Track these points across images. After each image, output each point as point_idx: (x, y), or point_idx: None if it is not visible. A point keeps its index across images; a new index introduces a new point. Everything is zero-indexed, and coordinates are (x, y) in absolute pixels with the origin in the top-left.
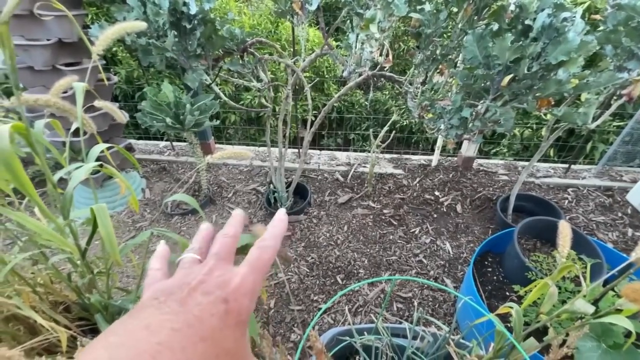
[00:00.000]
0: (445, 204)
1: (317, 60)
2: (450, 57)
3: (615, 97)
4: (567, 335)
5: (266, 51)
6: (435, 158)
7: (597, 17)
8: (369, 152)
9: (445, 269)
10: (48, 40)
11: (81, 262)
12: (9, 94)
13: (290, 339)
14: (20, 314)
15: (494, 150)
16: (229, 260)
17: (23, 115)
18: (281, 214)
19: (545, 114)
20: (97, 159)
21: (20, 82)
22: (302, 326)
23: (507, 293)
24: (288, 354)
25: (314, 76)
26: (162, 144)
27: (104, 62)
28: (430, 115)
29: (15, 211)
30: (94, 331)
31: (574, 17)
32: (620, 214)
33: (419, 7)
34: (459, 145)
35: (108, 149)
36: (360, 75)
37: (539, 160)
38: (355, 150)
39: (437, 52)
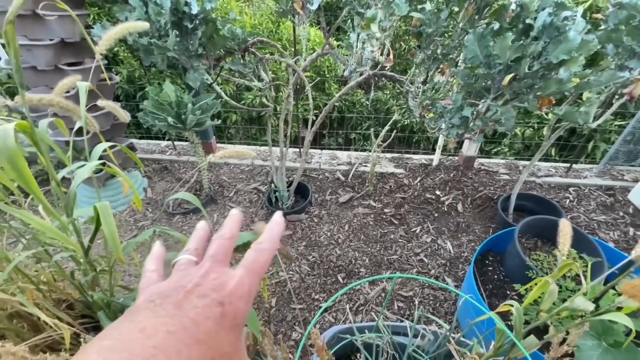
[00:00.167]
0: (446, 203)
1: (318, 60)
2: (451, 56)
3: (616, 96)
4: (568, 333)
5: (267, 51)
6: (436, 157)
7: (599, 16)
8: (370, 151)
9: (446, 268)
10: (51, 40)
11: (84, 260)
12: (12, 93)
13: (291, 337)
14: (24, 311)
15: (495, 150)
16: (225, 262)
17: (27, 115)
18: (278, 217)
19: (546, 113)
20: (100, 158)
21: (24, 82)
22: (304, 325)
23: (508, 292)
24: (289, 352)
25: (315, 76)
26: (163, 143)
27: (106, 62)
28: (431, 115)
29: (19, 209)
30: (96, 329)
31: (575, 16)
32: (621, 213)
33: (419, 7)
34: (460, 144)
35: (111, 148)
36: (361, 74)
37: (540, 160)
38: (356, 150)
39: (438, 51)
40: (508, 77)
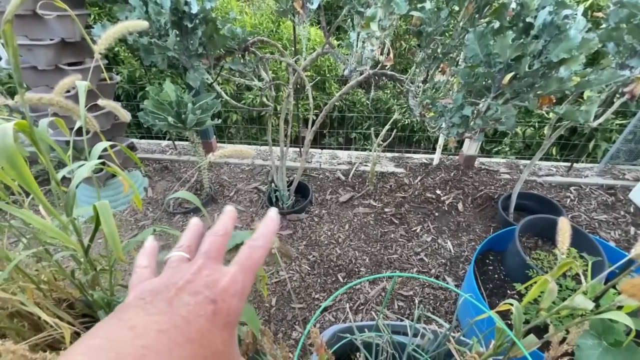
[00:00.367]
0: (447, 202)
1: (318, 59)
2: (451, 55)
3: (617, 95)
4: (568, 332)
5: (267, 50)
6: (436, 157)
7: (600, 14)
8: (371, 150)
9: (447, 268)
10: (51, 40)
11: (84, 260)
12: (13, 93)
13: (291, 336)
14: (25, 310)
15: (495, 149)
16: (218, 259)
17: (27, 114)
18: (272, 213)
19: (547, 112)
20: (100, 158)
21: (24, 82)
22: (303, 324)
23: (508, 291)
24: (289, 351)
25: (315, 75)
26: (164, 143)
27: (106, 61)
28: (431, 114)
29: (20, 209)
30: None
31: (575, 14)
32: (622, 213)
33: (419, 6)
34: (460, 143)
35: (111, 147)
36: (361, 74)
37: (541, 159)
38: (356, 149)
39: (439, 50)
40: (508, 76)
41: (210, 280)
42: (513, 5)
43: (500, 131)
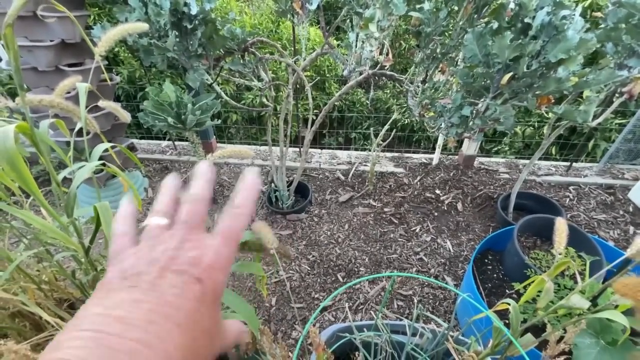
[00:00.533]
0: (446, 202)
1: (317, 60)
2: (450, 55)
3: (616, 95)
4: (565, 331)
5: (267, 50)
6: (436, 156)
7: (598, 14)
8: (370, 150)
9: (446, 267)
10: (51, 41)
11: (85, 260)
12: (14, 94)
13: (291, 336)
14: (26, 310)
15: (495, 149)
16: (200, 227)
17: (27, 116)
18: (251, 175)
19: (546, 112)
20: (101, 159)
21: (25, 83)
22: (303, 323)
23: (507, 290)
24: (289, 351)
25: (314, 75)
26: (164, 143)
27: (106, 62)
28: (431, 114)
29: (21, 210)
30: None
31: (574, 14)
32: (621, 212)
33: (418, 6)
34: (459, 143)
35: (111, 148)
36: (360, 74)
37: (540, 158)
38: (356, 149)
39: (438, 50)
40: (507, 76)
41: (194, 256)
42: (511, 5)
43: (500, 131)
